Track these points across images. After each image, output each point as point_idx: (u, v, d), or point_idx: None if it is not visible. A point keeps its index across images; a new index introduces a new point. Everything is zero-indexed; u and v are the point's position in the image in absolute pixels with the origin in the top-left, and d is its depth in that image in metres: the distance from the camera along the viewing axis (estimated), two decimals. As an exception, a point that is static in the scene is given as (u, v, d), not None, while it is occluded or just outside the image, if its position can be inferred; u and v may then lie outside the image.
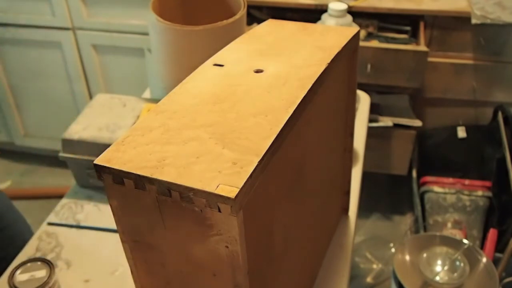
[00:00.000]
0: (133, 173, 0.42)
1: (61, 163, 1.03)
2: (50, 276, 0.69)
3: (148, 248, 0.49)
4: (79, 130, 0.97)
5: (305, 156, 0.60)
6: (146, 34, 1.79)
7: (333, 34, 0.67)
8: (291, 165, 0.55)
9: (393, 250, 1.83)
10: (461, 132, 1.82)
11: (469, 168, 1.79)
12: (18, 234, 1.05)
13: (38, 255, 0.84)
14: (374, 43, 1.63)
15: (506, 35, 1.64)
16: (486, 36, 1.64)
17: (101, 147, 0.92)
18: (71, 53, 1.95)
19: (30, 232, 1.08)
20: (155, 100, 1.11)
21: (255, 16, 1.74)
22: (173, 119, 0.49)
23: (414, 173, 1.89)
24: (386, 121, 1.71)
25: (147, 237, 0.48)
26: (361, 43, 1.57)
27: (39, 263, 0.71)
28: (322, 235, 0.80)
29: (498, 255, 1.51)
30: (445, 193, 1.72)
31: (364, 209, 1.94)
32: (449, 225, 1.68)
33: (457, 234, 1.64)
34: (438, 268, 1.32)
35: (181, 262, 0.48)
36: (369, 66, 1.59)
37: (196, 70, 0.59)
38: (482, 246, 1.61)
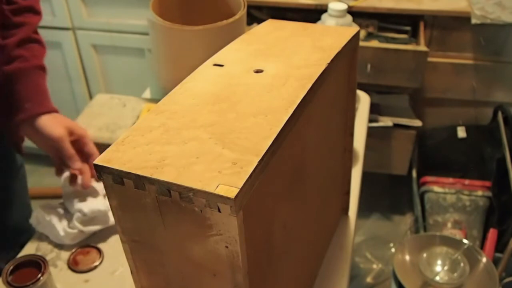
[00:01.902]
0: (133, 173, 0.42)
1: (61, 163, 1.03)
2: (43, 273, 0.70)
3: (148, 248, 0.49)
4: (79, 130, 0.97)
5: (305, 156, 0.60)
6: (146, 34, 1.79)
7: (333, 34, 0.67)
8: (291, 165, 0.55)
9: (393, 250, 1.83)
10: (461, 132, 1.82)
11: (469, 168, 1.79)
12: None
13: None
14: (374, 43, 1.63)
15: (506, 35, 1.64)
16: (486, 36, 1.64)
17: (101, 147, 0.92)
18: (71, 53, 1.95)
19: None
20: (155, 100, 1.11)
21: (255, 16, 1.74)
22: (173, 119, 0.49)
23: (414, 173, 1.89)
24: (386, 121, 1.71)
25: (147, 237, 0.48)
26: (361, 43, 1.57)
27: (33, 260, 0.72)
28: (322, 235, 0.80)
29: (498, 255, 1.51)
30: (445, 193, 1.72)
31: (364, 209, 1.94)
32: (449, 225, 1.68)
33: (457, 234, 1.64)
34: (438, 268, 1.32)
35: (181, 262, 0.48)
36: (369, 66, 1.59)
37: (196, 70, 0.59)
38: (482, 246, 1.61)
